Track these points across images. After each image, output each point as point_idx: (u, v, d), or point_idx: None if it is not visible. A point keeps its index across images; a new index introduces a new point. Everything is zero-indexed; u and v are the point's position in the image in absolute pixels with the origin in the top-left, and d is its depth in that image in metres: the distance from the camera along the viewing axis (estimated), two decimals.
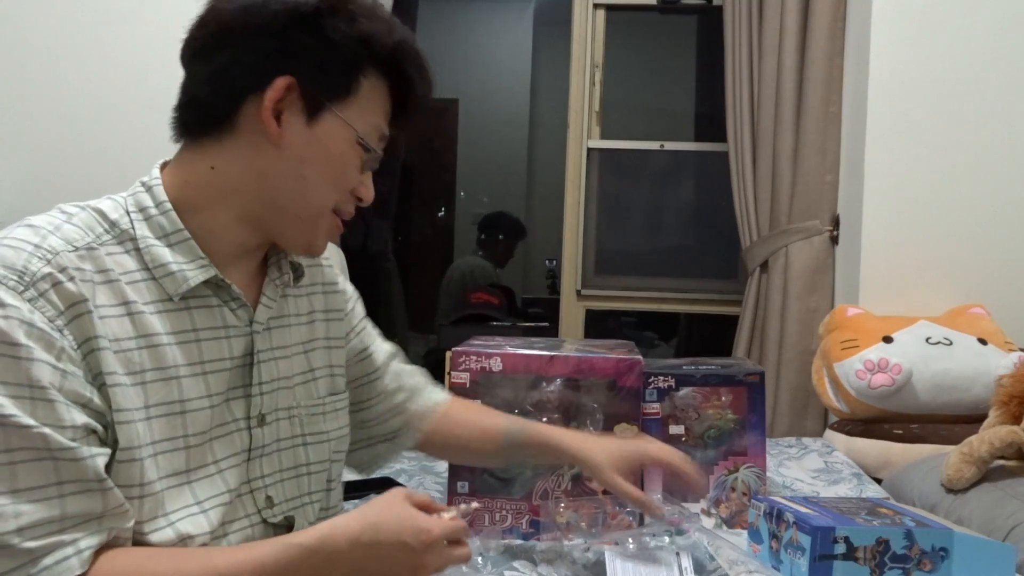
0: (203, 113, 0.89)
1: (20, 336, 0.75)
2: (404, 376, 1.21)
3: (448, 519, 0.88)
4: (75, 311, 0.79)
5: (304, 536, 0.82)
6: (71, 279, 0.80)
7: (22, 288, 0.77)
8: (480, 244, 4.47)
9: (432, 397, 1.23)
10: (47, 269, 0.79)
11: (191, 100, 0.90)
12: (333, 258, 1.20)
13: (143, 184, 0.90)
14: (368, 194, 0.96)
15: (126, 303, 0.83)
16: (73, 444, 0.76)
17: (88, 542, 0.76)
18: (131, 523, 0.80)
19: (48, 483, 0.75)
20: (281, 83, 0.87)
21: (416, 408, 1.20)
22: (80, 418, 0.77)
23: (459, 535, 0.88)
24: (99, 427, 0.79)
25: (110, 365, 0.80)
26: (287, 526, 0.94)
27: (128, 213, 0.87)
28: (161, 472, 0.84)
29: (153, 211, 0.88)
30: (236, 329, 0.92)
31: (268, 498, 0.93)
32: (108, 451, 0.79)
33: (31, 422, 0.74)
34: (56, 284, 0.79)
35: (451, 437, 1.22)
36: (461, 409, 1.25)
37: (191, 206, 0.89)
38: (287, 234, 0.93)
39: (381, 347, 1.19)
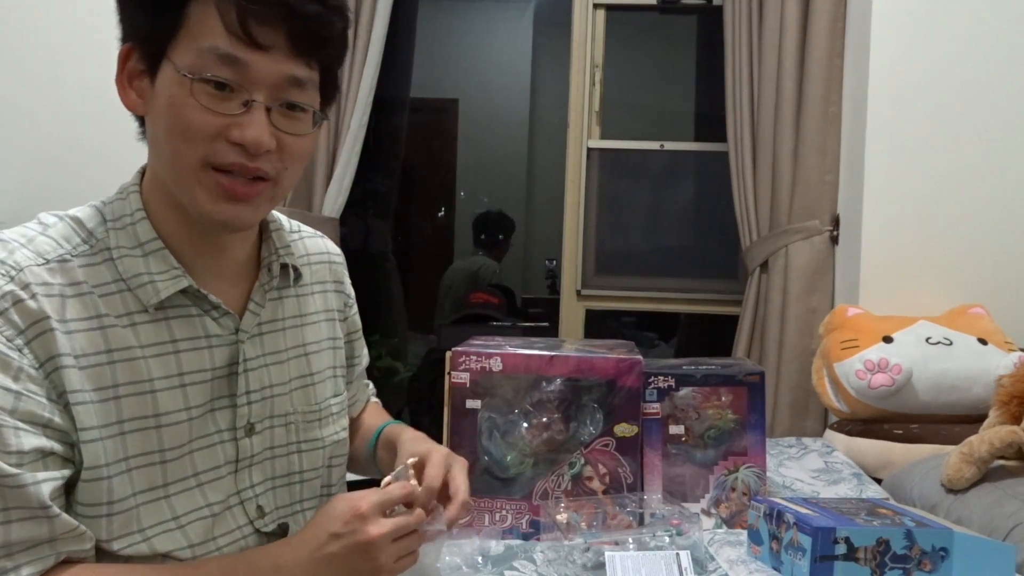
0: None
1: None
2: (360, 385, 1.21)
3: (381, 488, 0.85)
4: (37, 329, 0.77)
5: (249, 554, 0.82)
6: (33, 296, 0.78)
7: None
8: (479, 243, 4.48)
9: (360, 400, 1.22)
10: (8, 287, 0.77)
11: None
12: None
13: (122, 190, 0.89)
14: (243, 134, 0.81)
15: (98, 316, 0.82)
16: (16, 471, 0.74)
17: (31, 569, 0.75)
18: (90, 544, 0.79)
19: None
20: (121, 52, 0.84)
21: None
22: (30, 442, 0.75)
23: (392, 504, 0.84)
24: (58, 447, 0.77)
25: (75, 383, 0.78)
26: (281, 534, 0.93)
27: (105, 222, 0.86)
28: (136, 487, 0.82)
29: (128, 219, 0.86)
30: (219, 338, 0.89)
31: (259, 508, 0.92)
32: (59, 474, 0.77)
33: None
34: (17, 302, 0.77)
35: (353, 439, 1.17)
36: (366, 413, 1.23)
37: (151, 209, 0.87)
38: (187, 209, 0.85)
39: (364, 356, 1.19)
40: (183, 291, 0.86)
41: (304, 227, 1.09)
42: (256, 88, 0.81)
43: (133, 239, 0.85)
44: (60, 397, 0.78)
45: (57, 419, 0.78)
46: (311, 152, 0.90)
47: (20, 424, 0.75)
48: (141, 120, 0.89)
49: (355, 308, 1.15)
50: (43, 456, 0.77)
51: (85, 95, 2.42)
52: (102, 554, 0.81)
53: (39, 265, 0.80)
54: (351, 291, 1.15)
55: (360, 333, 1.17)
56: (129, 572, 0.80)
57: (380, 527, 0.81)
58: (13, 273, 0.78)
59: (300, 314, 1.00)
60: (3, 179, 2.42)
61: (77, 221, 0.86)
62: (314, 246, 1.08)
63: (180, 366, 0.86)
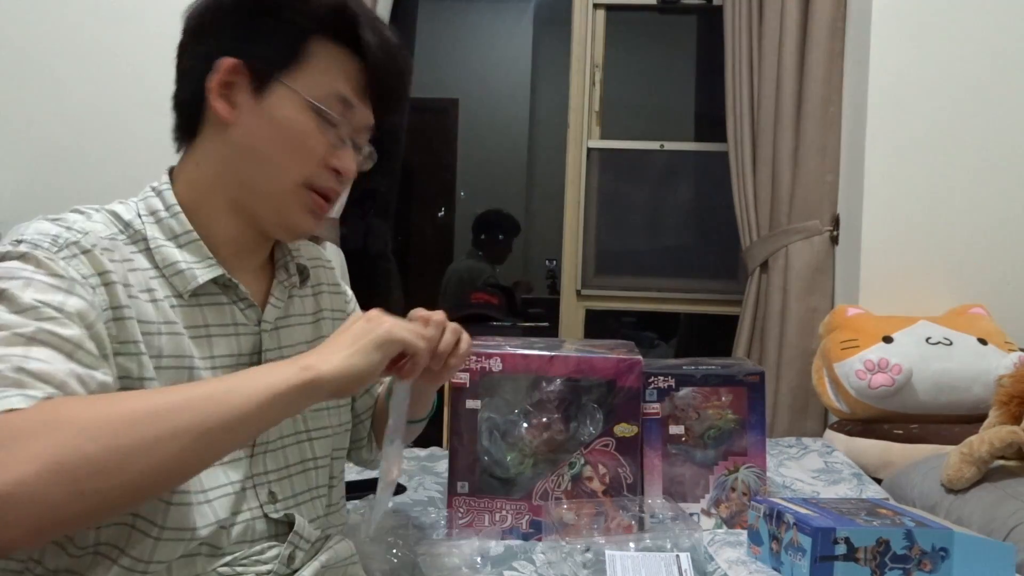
0: (182, 114, 0.95)
1: (60, 269, 0.78)
2: None
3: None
4: (106, 279, 0.82)
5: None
6: (103, 251, 0.83)
7: (56, 249, 0.80)
8: (477, 244, 4.46)
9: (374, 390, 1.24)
10: (79, 238, 0.82)
11: (175, 105, 0.95)
12: (334, 260, 1.22)
13: (153, 189, 0.94)
14: (344, 166, 0.95)
15: (150, 291, 0.86)
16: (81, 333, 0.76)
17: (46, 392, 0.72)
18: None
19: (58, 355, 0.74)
20: (225, 64, 0.90)
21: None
22: (73, 330, 0.76)
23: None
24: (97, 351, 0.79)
25: (135, 335, 0.82)
26: (288, 523, 0.94)
27: (140, 216, 0.91)
28: None
29: (163, 214, 0.91)
30: (245, 327, 0.94)
31: (271, 493, 0.93)
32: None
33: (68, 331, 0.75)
34: (87, 251, 0.81)
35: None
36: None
37: (193, 207, 0.93)
38: (265, 216, 0.94)
39: None
40: (215, 280, 0.91)
41: None
42: (354, 131, 0.96)
43: (168, 231, 0.90)
44: (123, 345, 0.82)
45: (113, 360, 0.80)
46: None
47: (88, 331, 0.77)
48: (186, 120, 0.94)
49: (353, 307, 1.18)
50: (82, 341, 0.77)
51: (85, 97, 2.42)
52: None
53: (101, 236, 0.85)
54: (350, 292, 1.19)
55: None
56: (123, 398, 0.77)
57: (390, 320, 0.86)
58: (80, 235, 0.83)
59: (306, 312, 1.05)
60: (3, 180, 2.42)
61: (113, 213, 0.90)
62: (314, 251, 1.14)
63: (212, 349, 0.90)
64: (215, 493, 0.88)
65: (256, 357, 0.95)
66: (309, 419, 1.01)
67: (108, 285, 0.82)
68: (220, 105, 0.90)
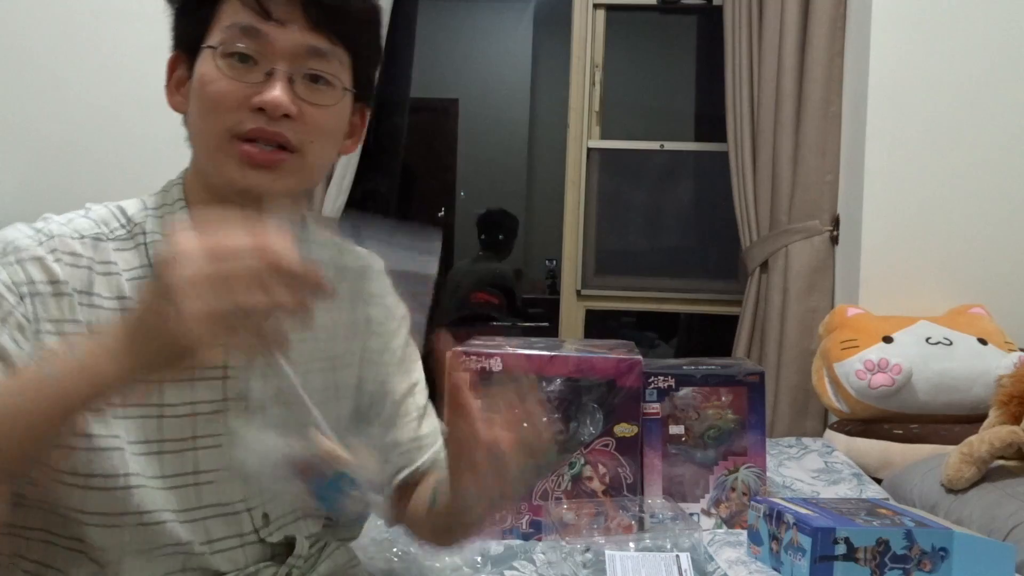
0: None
1: None
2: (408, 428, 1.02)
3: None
4: (56, 288, 0.80)
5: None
6: (58, 261, 0.80)
7: (1, 255, 0.79)
8: (482, 243, 4.44)
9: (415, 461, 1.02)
10: (34, 247, 0.80)
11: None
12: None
13: (167, 184, 0.92)
14: (265, 100, 0.82)
15: (120, 298, 0.83)
16: None
17: None
18: None
19: None
20: (169, 62, 0.89)
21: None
22: None
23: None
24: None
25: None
26: (287, 544, 0.90)
27: (146, 209, 0.89)
28: (131, 469, 0.81)
29: (167, 208, 0.89)
30: None
31: (264, 516, 0.88)
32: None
33: None
34: (38, 258, 0.80)
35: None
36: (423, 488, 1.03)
37: (194, 200, 0.90)
38: (216, 185, 0.86)
39: (398, 388, 1.03)
40: None
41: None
42: (277, 59, 0.84)
43: (169, 227, 0.84)
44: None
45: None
46: (339, 128, 0.91)
47: None
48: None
49: (398, 326, 1.04)
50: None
51: (86, 96, 2.42)
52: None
53: (72, 238, 0.83)
54: (398, 308, 1.05)
55: (403, 354, 1.04)
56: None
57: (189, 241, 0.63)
58: (43, 239, 0.81)
59: (333, 324, 0.96)
60: (4, 180, 2.42)
61: (120, 208, 0.88)
62: (348, 257, 1.03)
63: None
64: (199, 513, 0.84)
65: (246, 372, 0.86)
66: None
67: (56, 297, 0.79)
68: (173, 101, 0.90)
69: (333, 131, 0.89)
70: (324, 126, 0.87)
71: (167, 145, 0.96)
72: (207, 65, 0.84)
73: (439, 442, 1.03)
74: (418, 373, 1.07)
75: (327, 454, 0.74)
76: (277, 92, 0.82)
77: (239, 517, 0.86)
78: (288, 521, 0.90)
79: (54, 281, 0.80)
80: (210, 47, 0.84)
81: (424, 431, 1.03)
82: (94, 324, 0.80)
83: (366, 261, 1.04)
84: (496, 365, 1.34)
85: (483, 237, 4.43)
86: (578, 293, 2.91)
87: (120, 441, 0.81)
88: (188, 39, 0.87)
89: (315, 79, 0.86)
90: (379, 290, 1.03)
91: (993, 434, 1.50)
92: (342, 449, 0.74)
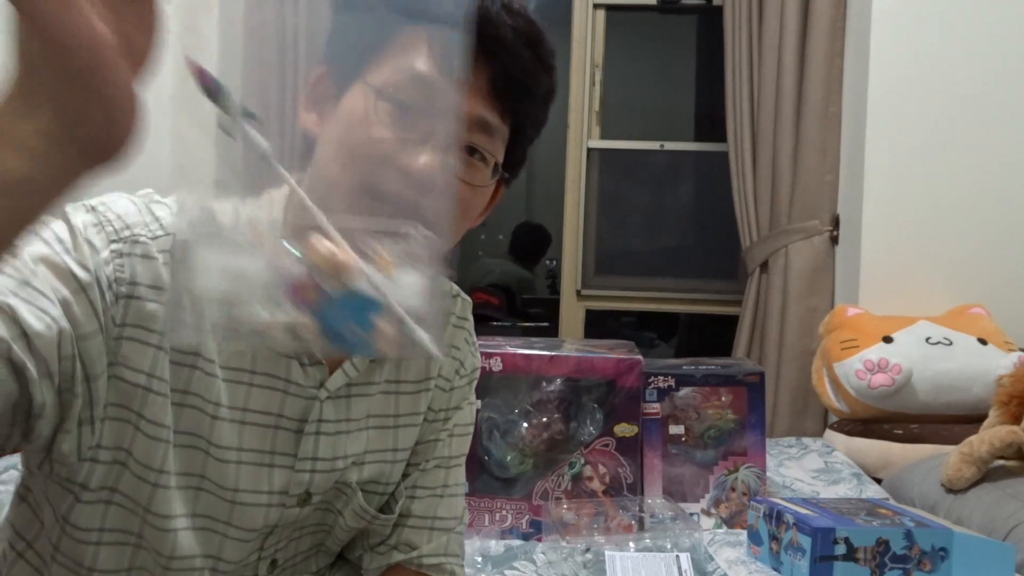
0: None
1: (87, 254, 0.66)
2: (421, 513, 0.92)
3: None
4: (153, 294, 0.69)
5: None
6: (166, 264, 0.69)
7: (115, 238, 0.68)
8: (512, 251, 4.54)
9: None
10: (148, 244, 0.70)
11: None
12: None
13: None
14: (416, 164, 0.67)
15: None
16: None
17: None
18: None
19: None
20: (314, 75, 0.75)
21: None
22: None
23: None
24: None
25: (150, 366, 0.70)
26: None
27: None
28: (175, 500, 0.74)
29: None
30: (298, 388, 0.76)
31: (273, 562, 0.83)
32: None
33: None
34: (148, 257, 0.69)
35: None
36: None
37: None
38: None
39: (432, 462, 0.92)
40: None
41: None
42: None
43: None
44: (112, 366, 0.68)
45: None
46: (480, 206, 0.78)
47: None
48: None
49: (465, 383, 0.93)
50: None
51: None
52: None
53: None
54: (470, 361, 0.94)
55: (455, 419, 0.93)
56: None
57: None
58: (160, 233, 0.71)
59: (402, 379, 0.86)
60: None
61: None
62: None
63: (247, 400, 0.75)
64: (207, 561, 0.77)
65: (302, 426, 0.77)
66: (352, 503, 0.85)
67: (149, 302, 0.69)
68: (305, 117, 0.75)
69: (474, 209, 0.78)
70: (467, 203, 0.76)
71: (166, 144, 0.94)
72: (359, 102, 0.70)
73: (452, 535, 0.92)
74: (466, 446, 0.96)
75: (329, 262, 0.49)
76: (419, 159, 0.67)
77: (247, 562, 0.81)
78: (298, 561, 0.86)
79: (157, 287, 0.69)
80: (369, 85, 0.69)
81: (441, 512, 0.92)
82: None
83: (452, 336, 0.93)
84: (496, 365, 1.35)
85: (515, 243, 4.52)
86: (578, 293, 2.91)
87: (167, 477, 0.73)
88: (344, 57, 0.73)
89: (471, 151, 0.74)
90: (457, 340, 0.92)
91: (993, 434, 1.50)
92: (356, 257, 0.50)
